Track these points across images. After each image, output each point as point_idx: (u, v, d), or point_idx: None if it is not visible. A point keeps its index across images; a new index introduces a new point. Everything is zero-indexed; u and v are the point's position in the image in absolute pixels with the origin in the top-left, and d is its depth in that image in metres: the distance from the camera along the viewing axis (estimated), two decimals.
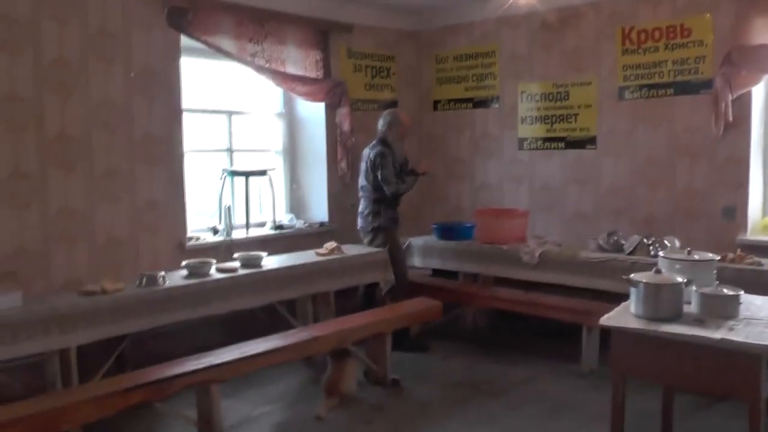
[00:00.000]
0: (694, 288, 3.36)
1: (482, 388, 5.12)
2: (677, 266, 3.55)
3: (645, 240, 5.41)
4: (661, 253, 3.79)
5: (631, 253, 5.40)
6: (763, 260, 4.93)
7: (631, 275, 3.38)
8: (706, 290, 3.34)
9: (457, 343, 6.22)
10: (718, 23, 5.77)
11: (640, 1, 6.19)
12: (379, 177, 5.87)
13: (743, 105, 5.67)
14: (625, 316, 3.31)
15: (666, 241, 5.29)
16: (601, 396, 3.28)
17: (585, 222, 6.55)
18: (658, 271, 3.41)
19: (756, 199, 5.84)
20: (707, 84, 5.80)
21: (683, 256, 3.67)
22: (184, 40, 5.68)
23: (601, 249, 5.60)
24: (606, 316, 3.32)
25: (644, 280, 3.27)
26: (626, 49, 6.29)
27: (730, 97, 5.59)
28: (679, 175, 6.03)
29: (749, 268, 4.80)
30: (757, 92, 5.73)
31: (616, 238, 5.60)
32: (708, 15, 5.82)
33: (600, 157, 6.52)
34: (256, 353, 4.32)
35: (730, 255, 4.96)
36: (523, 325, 6.46)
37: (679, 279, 3.32)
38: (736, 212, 5.74)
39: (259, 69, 6.18)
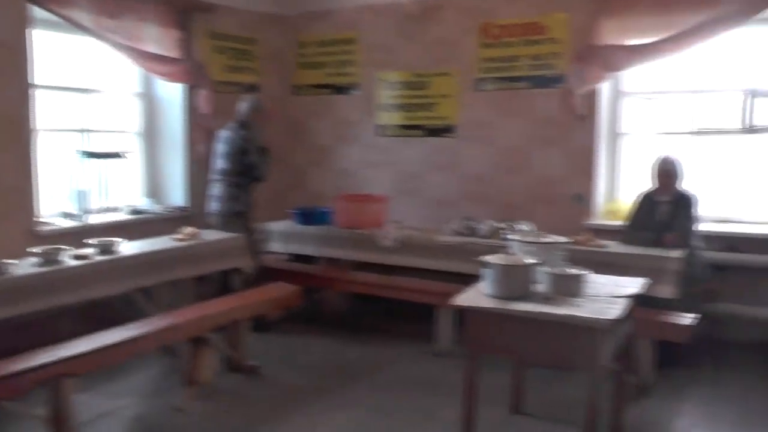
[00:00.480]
0: (543, 269, 3.62)
1: (344, 371, 5.22)
2: (528, 248, 3.81)
3: (500, 225, 5.71)
4: (512, 236, 4.05)
5: (486, 237, 5.67)
6: (608, 242, 5.34)
7: (485, 257, 3.58)
8: (554, 270, 3.61)
9: (318, 328, 6.31)
10: (572, 23, 6.16)
11: None
12: (249, 162, 5.86)
13: (592, 99, 6.12)
14: (477, 296, 3.52)
15: (520, 226, 5.59)
16: (458, 374, 3.47)
17: (445, 207, 6.82)
18: (509, 254, 3.64)
19: (602, 185, 6.33)
20: (561, 79, 6.20)
21: (533, 238, 3.94)
22: (37, 11, 5.35)
23: (457, 233, 5.85)
24: (459, 296, 3.52)
25: (495, 262, 3.49)
26: (485, 43, 6.58)
27: (581, 92, 6.02)
28: (535, 163, 6.42)
29: (595, 249, 5.18)
30: (604, 88, 6.19)
31: (472, 223, 5.87)
32: (563, 14, 6.20)
33: (460, 145, 6.80)
34: (111, 344, 4.08)
35: (579, 237, 5.33)
36: (384, 308, 6.62)
37: (530, 260, 3.56)
38: (585, 198, 6.19)
39: (117, 46, 5.91)
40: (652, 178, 5.45)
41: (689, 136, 6.07)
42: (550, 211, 6.30)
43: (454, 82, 6.76)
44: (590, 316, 3.16)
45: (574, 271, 3.60)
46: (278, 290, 5.51)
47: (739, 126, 5.64)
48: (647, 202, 5.46)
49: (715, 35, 5.49)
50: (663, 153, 5.57)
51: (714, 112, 6.00)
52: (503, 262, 3.46)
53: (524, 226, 5.58)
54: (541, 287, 3.56)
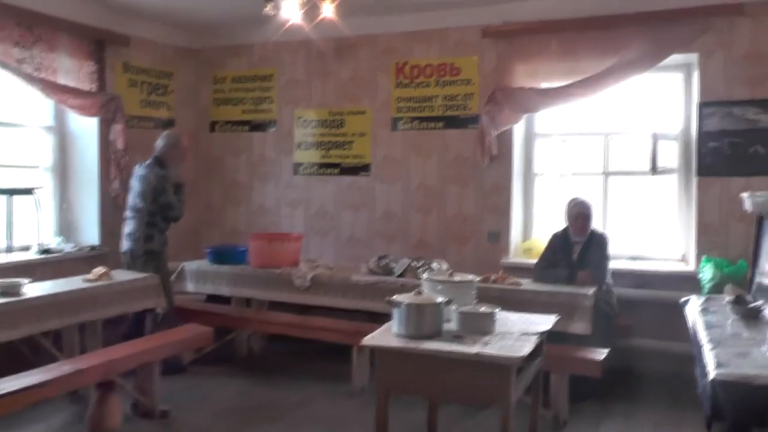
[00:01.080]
0: (453, 307, 3.67)
1: (258, 413, 5.08)
2: (439, 287, 3.86)
3: (414, 263, 5.75)
4: (424, 276, 4.10)
5: (400, 276, 5.71)
6: (523, 280, 5.44)
7: (394, 297, 3.59)
8: (465, 309, 3.66)
9: (232, 369, 6.15)
10: (484, 65, 6.33)
11: (414, 39, 6.60)
12: (165, 201, 5.71)
13: (506, 139, 6.25)
14: (387, 335, 3.52)
15: (434, 264, 5.65)
16: (373, 413, 3.46)
17: (359, 246, 6.82)
18: (419, 293, 3.68)
19: (517, 224, 6.42)
20: (474, 119, 6.31)
21: (444, 277, 4.01)
22: None
23: (372, 272, 5.86)
24: (369, 336, 3.50)
25: (406, 301, 3.52)
26: (400, 83, 6.68)
27: (494, 132, 6.12)
28: (449, 202, 6.48)
29: (509, 287, 5.28)
30: (518, 129, 6.35)
31: (386, 261, 5.89)
32: (475, 57, 6.36)
33: (374, 184, 6.83)
34: (12, 391, 3.83)
35: (493, 276, 5.42)
36: (299, 348, 6.49)
37: (440, 299, 3.61)
38: (500, 236, 6.28)
39: (27, 78, 5.74)
40: (566, 219, 5.57)
41: (599, 176, 6.26)
42: (462, 249, 6.39)
43: (370, 121, 6.82)
44: (499, 354, 3.21)
45: (484, 309, 3.66)
46: (189, 332, 5.34)
47: (646, 167, 5.83)
48: (560, 242, 5.58)
49: (621, 80, 5.74)
50: (575, 195, 5.70)
51: (623, 154, 6.22)
52: (412, 301, 3.49)
53: (438, 265, 5.62)
54: (451, 325, 3.60)
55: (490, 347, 3.29)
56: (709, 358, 3.14)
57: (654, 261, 6.01)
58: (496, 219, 6.31)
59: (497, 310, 3.68)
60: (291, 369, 6.16)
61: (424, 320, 3.44)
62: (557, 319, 4.09)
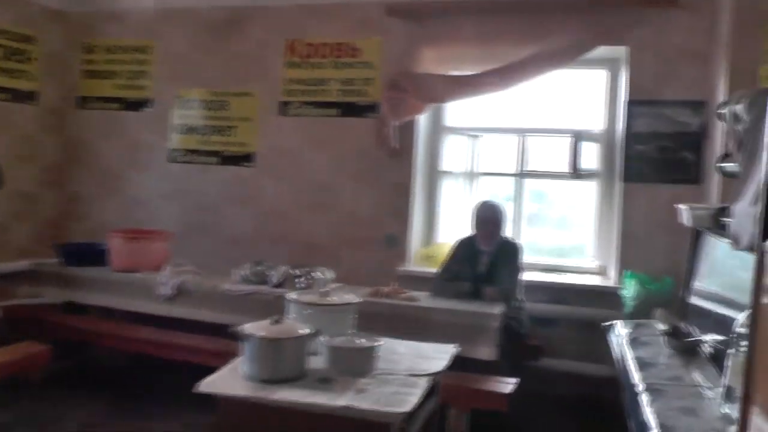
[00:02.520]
0: (323, 338, 2.77)
1: None
2: (307, 311, 2.96)
3: (294, 271, 4.84)
4: (289, 296, 3.17)
5: (278, 286, 4.80)
6: (420, 293, 4.69)
7: (243, 326, 2.69)
8: (337, 342, 2.77)
9: (89, 390, 5.07)
10: (387, 47, 5.54)
11: (309, 13, 5.77)
12: None
13: (409, 132, 5.51)
14: (233, 377, 2.61)
15: (318, 273, 4.77)
16: None
17: (243, 247, 5.84)
18: (278, 321, 2.76)
19: (418, 227, 5.70)
20: (374, 108, 5.54)
21: (315, 298, 3.09)
22: None
23: (245, 280, 4.92)
24: (209, 378, 2.59)
25: (257, 333, 2.60)
26: (291, 62, 5.82)
27: (395, 123, 5.37)
28: (344, 200, 5.68)
29: (403, 303, 4.49)
30: (423, 121, 5.63)
31: (262, 268, 4.96)
32: (377, 38, 5.57)
33: (260, 176, 5.93)
34: None
35: (385, 288, 4.61)
36: (172, 366, 5.26)
37: (304, 330, 2.70)
38: (398, 241, 5.53)
39: None
40: (473, 224, 4.88)
41: (513, 178, 5.71)
42: (358, 255, 5.58)
43: (257, 105, 5.92)
44: (376, 408, 2.33)
45: (363, 341, 2.77)
46: (20, 351, 4.39)
47: (566, 170, 5.28)
48: (466, 250, 4.89)
49: (541, 72, 5.13)
50: (484, 198, 5.11)
51: (541, 155, 5.70)
52: (267, 334, 2.57)
53: (322, 274, 4.76)
54: (320, 362, 2.70)
55: (365, 396, 2.44)
56: (648, 413, 2.48)
57: (571, 274, 5.48)
58: (395, 221, 5.59)
59: (379, 342, 2.79)
60: (156, 394, 5.01)
61: (282, 359, 2.58)
62: (458, 347, 3.27)
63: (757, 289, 1.91)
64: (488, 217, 4.80)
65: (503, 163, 5.76)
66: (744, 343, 2.24)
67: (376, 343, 2.82)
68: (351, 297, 3.22)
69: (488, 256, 4.79)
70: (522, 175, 5.65)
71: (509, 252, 4.78)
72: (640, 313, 4.42)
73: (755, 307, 1.85)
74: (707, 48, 4.85)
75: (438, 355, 3.12)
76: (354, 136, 5.63)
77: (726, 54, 4.44)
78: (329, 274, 4.84)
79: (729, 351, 2.47)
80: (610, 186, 5.37)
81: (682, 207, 3.73)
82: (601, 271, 5.44)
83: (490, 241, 4.80)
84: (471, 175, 5.77)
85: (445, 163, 5.82)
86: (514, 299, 4.64)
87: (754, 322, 1.90)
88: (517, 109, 5.63)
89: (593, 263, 5.49)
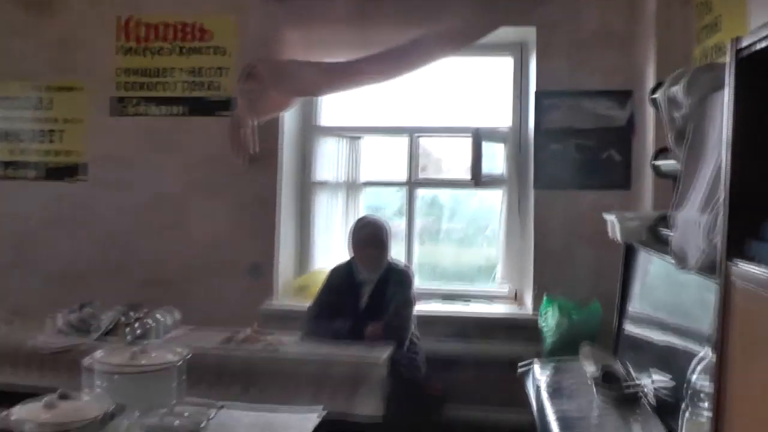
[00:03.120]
0: (127, 421, 2.12)
1: None
2: (114, 378, 2.33)
3: (130, 314, 4.08)
4: (87, 359, 2.49)
5: (107, 335, 4.03)
6: (289, 337, 4.05)
7: (11, 410, 2.02)
8: (151, 421, 2.13)
9: None
10: (244, 29, 4.94)
11: None
12: None
13: (272, 134, 4.90)
14: None
15: (158, 315, 4.08)
16: None
17: (69, 284, 4.95)
18: (64, 396, 2.10)
19: (287, 253, 5.11)
20: (229, 104, 4.91)
21: (124, 359, 2.44)
22: None
23: (62, 331, 4.11)
24: None
25: (30, 420, 1.93)
26: (125, 47, 5.05)
27: (254, 122, 4.73)
28: (195, 220, 4.99)
29: (262, 354, 3.81)
30: (290, 120, 5.07)
31: (88, 312, 4.12)
32: (231, 17, 4.95)
33: (91, 193, 5.12)
34: None
35: (242, 333, 3.96)
36: None
37: (100, 407, 2.06)
38: (263, 270, 4.94)
39: None
40: (350, 247, 4.34)
41: (403, 188, 5.26)
42: (214, 290, 4.88)
43: (86, 101, 5.13)
44: None
45: (186, 417, 2.15)
46: None
47: (467, 176, 4.81)
48: (342, 280, 4.29)
49: (431, 60, 4.73)
50: (364, 213, 4.61)
51: (438, 159, 5.51)
52: (48, 419, 1.91)
53: (162, 317, 4.05)
54: None
55: None
56: None
57: (478, 302, 5.07)
58: (258, 245, 4.92)
59: (209, 417, 2.17)
60: None
61: None
62: (326, 410, 2.69)
63: (724, 327, 1.51)
64: (369, 237, 4.23)
65: (391, 170, 5.39)
66: (705, 404, 1.93)
67: (204, 420, 2.20)
68: (173, 355, 2.58)
69: (371, 286, 4.20)
70: (414, 183, 5.19)
71: (398, 280, 4.20)
72: (563, 349, 4.03)
73: (721, 354, 1.53)
74: (630, 29, 4.54)
75: (297, 425, 2.55)
76: (205, 140, 4.95)
77: (653, 34, 4.12)
78: (172, 317, 4.16)
79: (683, 408, 2.11)
80: (521, 194, 4.97)
81: (610, 217, 3.38)
82: (514, 298, 5.07)
83: (372, 268, 4.23)
84: (351, 186, 5.20)
85: (319, 171, 5.27)
86: (406, 339, 4.08)
87: (720, 374, 1.55)
88: (406, 105, 5.24)
89: (504, 288, 5.09)
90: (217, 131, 4.91)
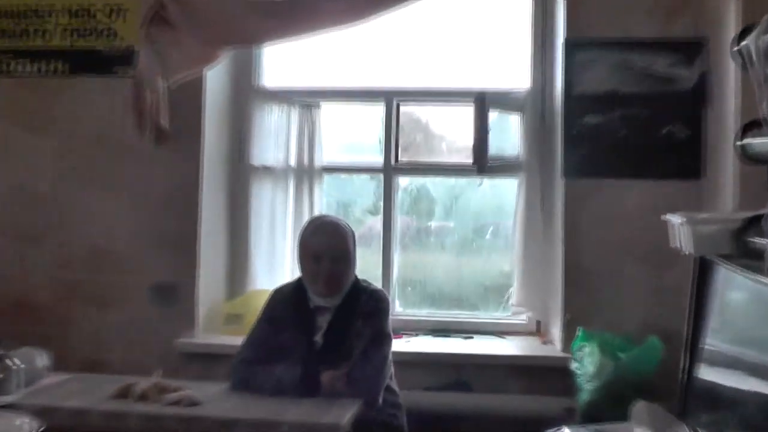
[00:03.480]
0: None
1: None
2: None
3: None
4: None
5: None
6: (210, 388, 3.79)
7: None
8: None
9: None
10: None
11: None
12: None
13: (191, 100, 4.73)
14: None
15: (16, 360, 3.79)
16: None
17: None
18: None
19: (214, 268, 4.95)
20: (129, 58, 4.79)
21: None
22: None
23: None
24: None
25: None
26: None
27: (165, 84, 4.57)
28: (79, 223, 4.85)
29: (167, 412, 3.49)
30: (215, 81, 4.88)
31: None
32: None
33: None
34: None
35: (141, 385, 3.65)
36: None
37: None
38: (177, 293, 4.74)
39: None
40: (300, 261, 4.01)
41: (377, 175, 5.09)
42: (106, 322, 4.75)
43: None
44: None
45: None
46: None
47: (467, 160, 4.62)
48: (289, 309, 3.98)
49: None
50: (321, 215, 4.39)
51: (428, 135, 5.32)
52: None
53: (22, 361, 3.79)
54: None
55: None
56: None
57: (484, 338, 4.84)
58: (171, 257, 4.74)
59: None
60: None
61: None
62: None
63: None
64: (324, 246, 3.91)
65: (361, 150, 5.24)
66: None
67: None
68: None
69: (329, 316, 3.91)
70: (393, 169, 4.98)
71: (367, 308, 3.91)
72: (606, 404, 3.81)
73: None
74: None
75: None
76: (94, 110, 4.82)
77: None
78: (40, 360, 3.92)
79: None
80: (544, 185, 4.75)
81: (675, 219, 3.22)
82: (536, 331, 4.89)
83: (329, 290, 3.92)
84: (306, 173, 4.98)
85: (261, 152, 5.06)
86: (379, 392, 3.79)
87: None
88: (382, 60, 5.09)
89: (521, 317, 4.91)
90: (111, 97, 4.78)
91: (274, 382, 3.71)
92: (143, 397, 3.55)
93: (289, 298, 3.98)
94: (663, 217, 3.29)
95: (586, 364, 3.98)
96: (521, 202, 4.73)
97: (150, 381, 3.63)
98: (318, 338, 3.86)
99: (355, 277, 3.97)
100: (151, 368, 3.93)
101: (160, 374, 3.72)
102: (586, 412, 3.89)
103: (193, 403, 3.53)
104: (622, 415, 3.42)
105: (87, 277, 4.81)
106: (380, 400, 3.75)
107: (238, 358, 3.88)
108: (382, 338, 3.84)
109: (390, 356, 3.88)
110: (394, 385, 3.96)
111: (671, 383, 3.46)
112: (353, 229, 4.02)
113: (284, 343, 3.85)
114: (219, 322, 4.81)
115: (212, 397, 3.66)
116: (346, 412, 3.48)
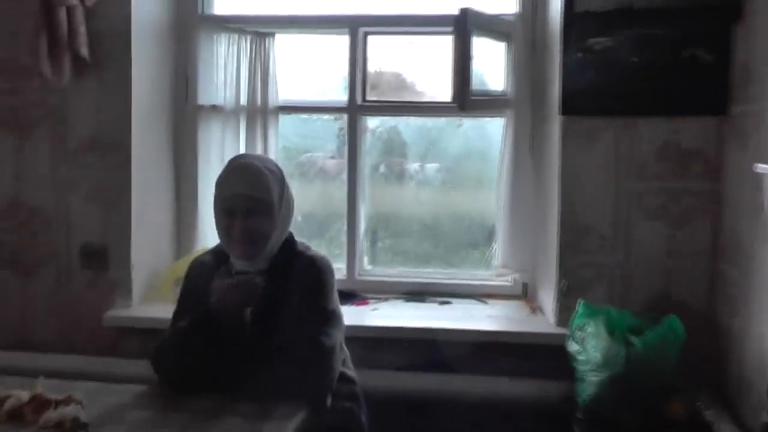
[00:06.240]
0: None
1: None
2: None
3: None
4: None
5: None
6: (121, 390, 2.34)
7: None
8: None
9: None
10: None
11: None
12: None
13: (117, 23, 3.19)
14: None
15: None
16: None
17: None
18: None
19: (153, 226, 3.43)
20: None
21: None
22: None
23: None
24: None
25: None
26: None
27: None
28: None
29: None
30: (148, 2, 3.33)
31: None
32: None
33: None
34: None
35: (14, 399, 2.19)
36: None
37: None
38: (109, 254, 3.26)
39: None
40: (215, 215, 2.45)
41: (341, 116, 3.55)
42: (29, 285, 3.31)
43: None
44: None
45: None
46: None
47: (446, 96, 3.11)
48: (210, 279, 2.46)
49: None
50: (241, 154, 2.92)
51: (398, 68, 3.68)
52: None
53: None
54: None
55: None
56: None
57: (463, 302, 3.36)
58: (97, 213, 3.26)
59: None
60: None
61: None
62: None
63: None
64: (235, 196, 2.39)
65: (323, 86, 3.70)
66: None
67: None
68: None
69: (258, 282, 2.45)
70: (360, 108, 3.48)
71: (306, 281, 2.42)
72: (616, 402, 2.50)
73: None
74: None
75: None
76: None
77: None
78: None
79: None
80: (536, 124, 3.28)
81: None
82: (522, 294, 3.42)
83: (247, 250, 2.42)
84: (260, 112, 3.46)
85: (206, 89, 3.52)
86: (325, 394, 2.35)
87: None
88: None
89: (505, 280, 3.42)
90: (17, 18, 3.21)
91: (191, 375, 2.30)
92: (14, 416, 2.12)
93: (208, 266, 2.51)
94: (756, 167, 1.98)
95: (590, 348, 2.57)
96: (508, 144, 3.25)
97: (26, 394, 2.18)
98: (246, 316, 2.37)
99: (291, 237, 2.51)
100: (81, 346, 2.82)
101: (42, 384, 2.24)
102: (591, 410, 2.52)
103: (80, 427, 2.09)
104: (635, 416, 2.36)
105: (3, 239, 3.35)
106: (329, 402, 2.35)
107: (157, 346, 2.43)
108: (326, 320, 2.37)
109: (340, 339, 2.42)
110: (350, 371, 2.57)
111: (696, 375, 2.57)
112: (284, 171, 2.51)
113: (203, 324, 2.35)
114: (165, 289, 3.35)
115: (113, 412, 2.22)
116: (287, 421, 2.12)
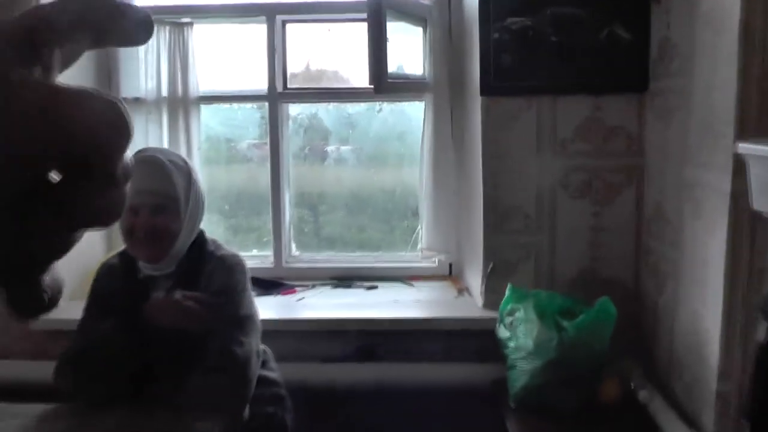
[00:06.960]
0: None
1: None
2: None
3: None
4: None
5: None
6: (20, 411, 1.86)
7: None
8: None
9: None
10: None
11: None
12: None
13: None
14: None
15: None
16: None
17: None
18: None
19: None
20: None
21: None
22: None
23: None
24: None
25: None
26: None
27: None
28: None
29: None
30: None
31: None
32: None
33: None
34: None
35: None
36: None
37: None
38: None
39: None
40: (121, 223, 1.87)
41: (262, 103, 2.97)
42: None
43: None
44: None
45: None
46: None
47: (364, 79, 2.68)
48: (117, 283, 1.95)
49: None
50: (146, 147, 2.12)
51: (318, 55, 3.08)
52: None
53: None
54: None
55: None
56: None
57: (390, 285, 2.83)
58: None
59: None
60: None
61: None
62: None
63: None
64: (139, 193, 1.82)
65: (242, 73, 3.03)
66: None
67: None
68: None
69: (167, 287, 1.90)
70: (280, 96, 2.90)
71: (217, 283, 1.90)
72: (550, 390, 2.03)
73: None
74: None
75: None
76: None
77: None
78: None
79: None
80: (455, 106, 2.74)
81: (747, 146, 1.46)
82: (448, 274, 2.89)
83: (150, 251, 1.88)
84: (180, 103, 2.86)
85: (127, 81, 2.92)
86: (243, 405, 1.84)
87: None
88: None
89: (431, 262, 2.89)
90: None
91: (93, 388, 1.82)
92: None
93: (115, 270, 1.97)
94: (739, 146, 1.50)
95: (520, 335, 2.09)
96: (429, 128, 2.72)
97: None
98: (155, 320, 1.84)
99: (202, 237, 1.97)
100: (9, 352, 2.29)
101: None
102: (523, 399, 2.05)
103: None
104: (569, 402, 1.94)
105: None
106: (247, 413, 1.84)
107: (62, 357, 1.89)
108: (240, 327, 1.86)
109: (256, 345, 1.89)
110: (273, 373, 2.08)
111: (627, 355, 2.18)
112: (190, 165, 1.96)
113: (112, 330, 1.84)
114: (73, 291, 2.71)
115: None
116: (202, 406, 1.73)
